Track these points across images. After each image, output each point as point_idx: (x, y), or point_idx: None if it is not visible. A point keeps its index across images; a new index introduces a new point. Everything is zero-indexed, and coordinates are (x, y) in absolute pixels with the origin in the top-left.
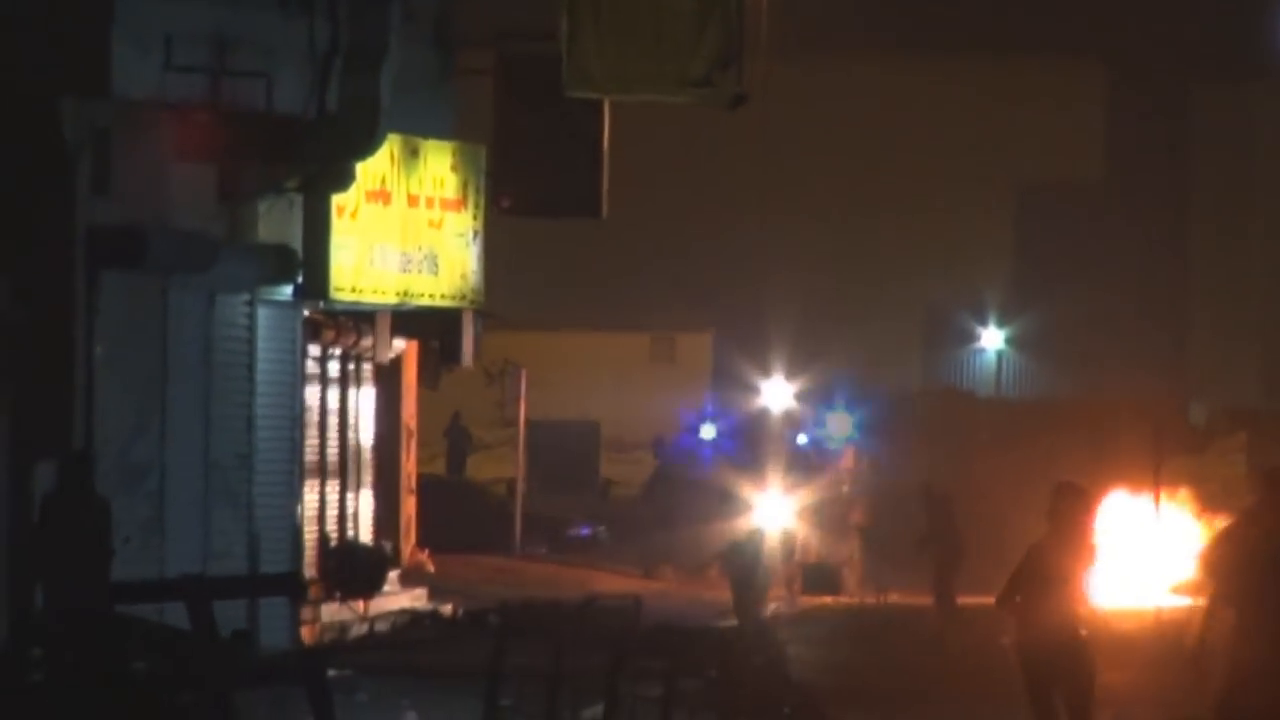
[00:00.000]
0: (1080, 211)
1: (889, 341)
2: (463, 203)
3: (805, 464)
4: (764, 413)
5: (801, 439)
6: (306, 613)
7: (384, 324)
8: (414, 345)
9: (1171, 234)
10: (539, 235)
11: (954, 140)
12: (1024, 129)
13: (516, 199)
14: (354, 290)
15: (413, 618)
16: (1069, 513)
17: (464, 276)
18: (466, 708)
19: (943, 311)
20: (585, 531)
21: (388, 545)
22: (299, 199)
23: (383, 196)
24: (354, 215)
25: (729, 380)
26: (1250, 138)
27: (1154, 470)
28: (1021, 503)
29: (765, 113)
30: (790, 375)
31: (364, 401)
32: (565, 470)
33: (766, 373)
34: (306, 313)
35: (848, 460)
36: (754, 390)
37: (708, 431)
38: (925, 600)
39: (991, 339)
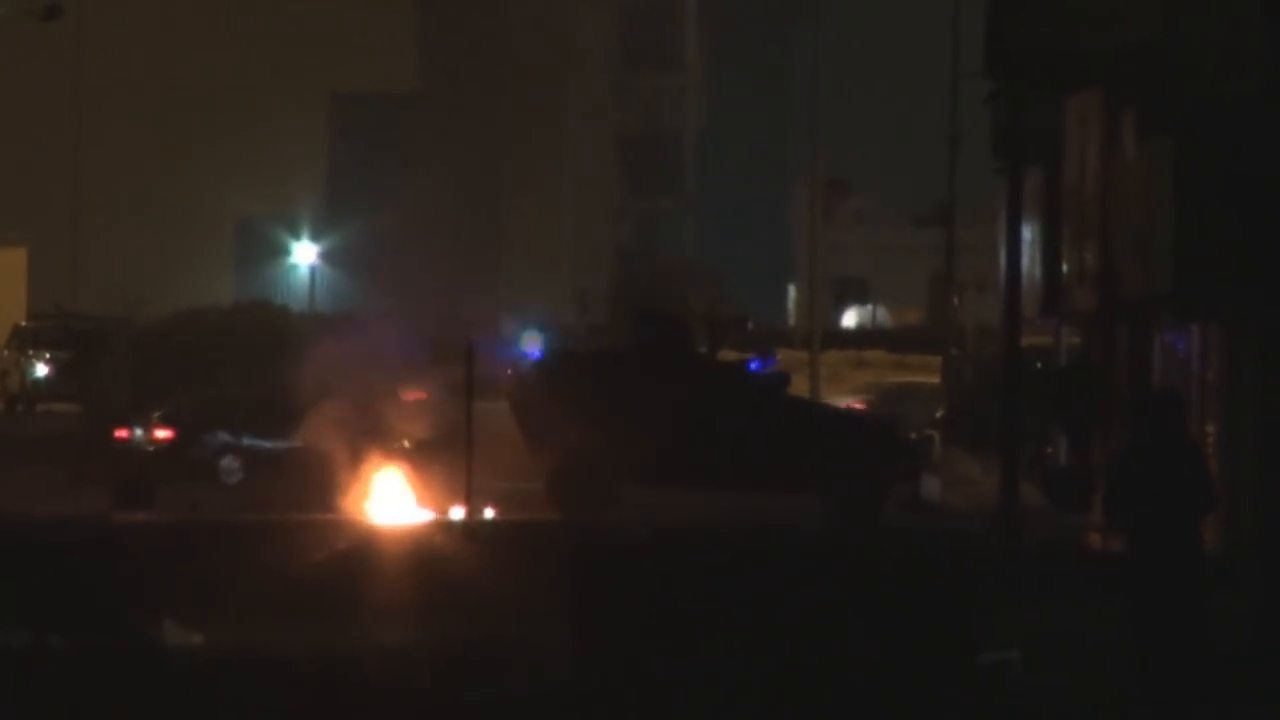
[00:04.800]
0: (395, 122)
1: (201, 255)
2: None
3: None
4: None
5: None
6: None
7: None
8: None
9: (486, 148)
10: None
11: (263, 48)
12: (334, 35)
13: None
14: None
15: None
16: None
17: None
18: None
19: (255, 225)
20: None
21: None
22: None
23: None
24: None
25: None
26: (565, 47)
27: (467, 387)
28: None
29: (80, 23)
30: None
31: None
32: None
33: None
34: None
35: None
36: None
37: None
38: None
39: (305, 253)
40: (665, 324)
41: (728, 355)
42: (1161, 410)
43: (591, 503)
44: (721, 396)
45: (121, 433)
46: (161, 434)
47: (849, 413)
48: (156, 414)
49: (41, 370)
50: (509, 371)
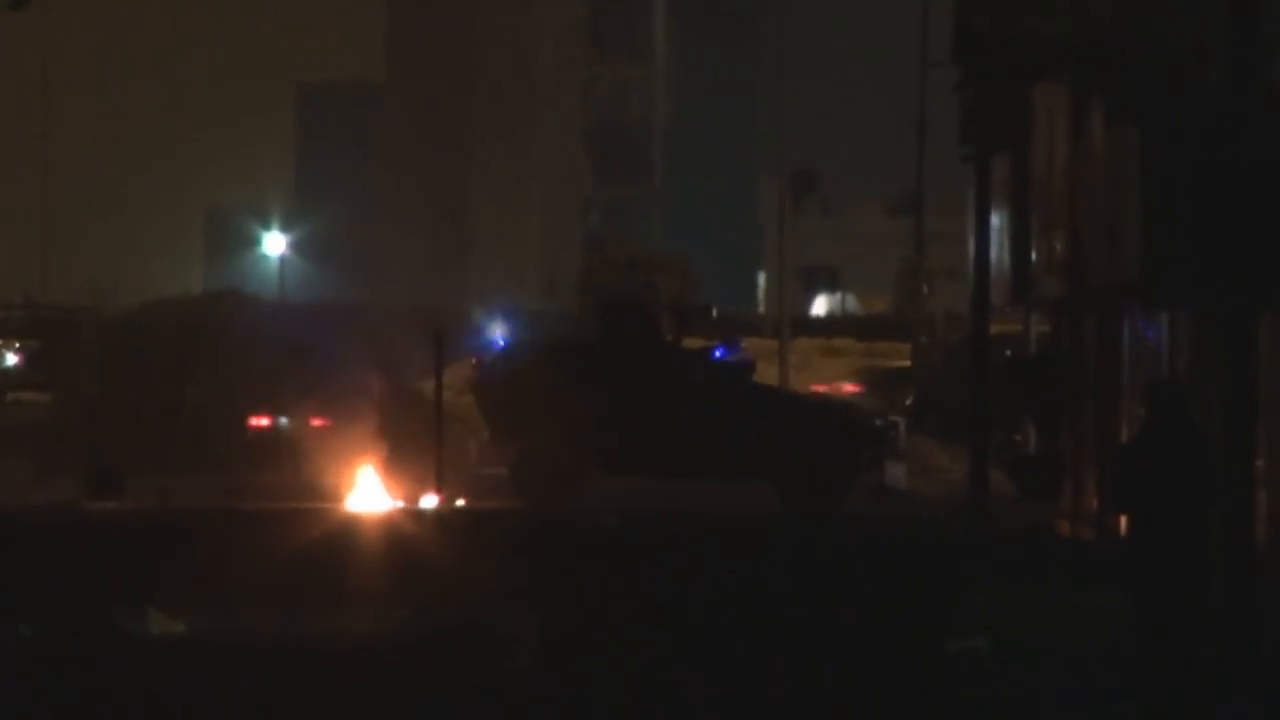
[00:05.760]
0: (364, 112)
1: (170, 246)
2: None
3: None
4: None
5: None
6: None
7: None
8: None
9: (455, 138)
10: None
11: (231, 39)
12: (303, 26)
13: None
14: None
15: None
16: None
17: None
18: None
19: (225, 215)
20: None
21: None
22: None
23: None
24: None
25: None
26: (532, 37)
27: (436, 375)
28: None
29: (47, 13)
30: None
31: None
32: None
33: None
34: None
35: None
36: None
37: None
38: None
39: (275, 243)
40: (630, 312)
41: (693, 343)
42: (1159, 400)
43: (557, 490)
44: (686, 384)
45: (260, 420)
46: (317, 422)
47: (814, 399)
48: (304, 402)
49: (11, 360)
50: (474, 360)
